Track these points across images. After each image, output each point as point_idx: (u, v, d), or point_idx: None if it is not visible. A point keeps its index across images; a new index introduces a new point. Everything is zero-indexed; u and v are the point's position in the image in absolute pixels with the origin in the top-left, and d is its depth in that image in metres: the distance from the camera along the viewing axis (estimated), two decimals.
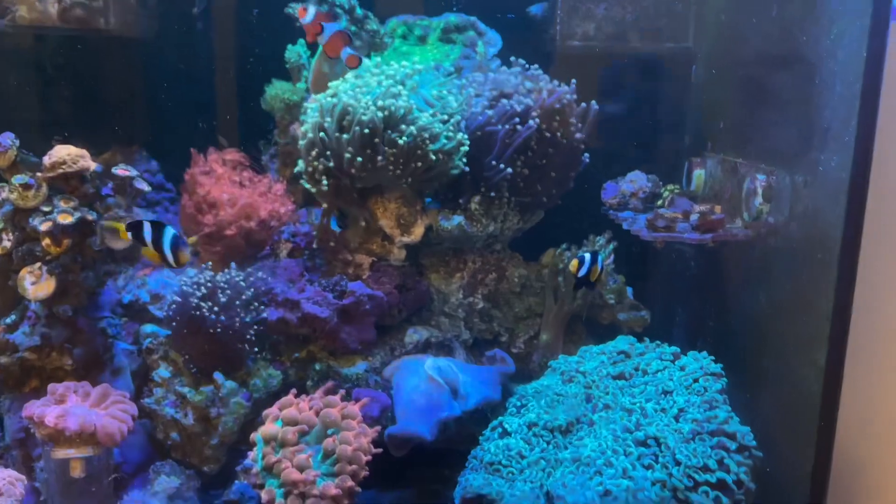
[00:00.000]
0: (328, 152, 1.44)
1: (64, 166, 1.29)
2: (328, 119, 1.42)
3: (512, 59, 1.60)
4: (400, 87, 1.45)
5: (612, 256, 1.62)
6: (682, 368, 1.38)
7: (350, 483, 1.19)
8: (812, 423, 1.19)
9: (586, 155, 1.59)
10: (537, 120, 1.50)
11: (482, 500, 1.27)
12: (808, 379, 1.20)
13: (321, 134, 1.43)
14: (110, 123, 1.81)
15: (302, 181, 1.50)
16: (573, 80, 1.55)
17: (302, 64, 1.65)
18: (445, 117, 1.46)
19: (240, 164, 1.60)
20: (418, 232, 1.56)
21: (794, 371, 1.27)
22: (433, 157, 1.43)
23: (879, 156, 1.11)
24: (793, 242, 1.27)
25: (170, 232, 1.20)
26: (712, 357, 1.38)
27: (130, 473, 1.41)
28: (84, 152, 1.31)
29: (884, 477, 1.20)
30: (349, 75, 1.47)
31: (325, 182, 1.45)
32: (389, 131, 1.41)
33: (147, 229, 1.20)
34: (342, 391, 1.31)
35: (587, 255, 1.38)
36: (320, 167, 1.44)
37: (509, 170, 1.50)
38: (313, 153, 1.45)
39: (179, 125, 1.83)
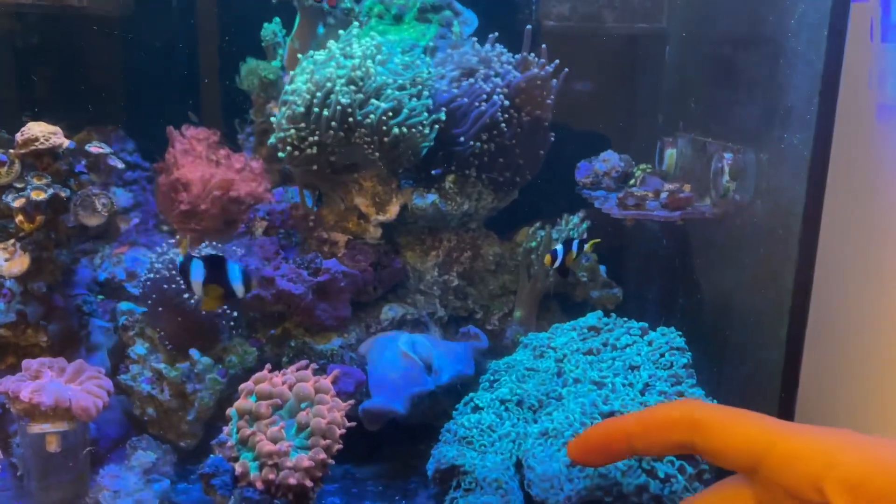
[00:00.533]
0: (302, 127, 1.45)
1: (37, 143, 1.29)
2: (301, 94, 1.43)
3: (490, 36, 1.61)
4: (370, 63, 1.46)
5: (584, 235, 1.65)
6: (649, 343, 1.41)
7: (323, 455, 1.21)
8: (774, 395, 1.22)
9: (553, 135, 1.61)
10: (502, 97, 1.51)
11: (455, 471, 1.30)
12: (771, 352, 1.24)
13: (298, 108, 1.44)
14: (85, 102, 1.80)
15: (280, 154, 1.50)
16: (541, 59, 1.57)
17: (278, 42, 1.65)
18: (414, 91, 1.47)
19: (215, 143, 1.60)
20: (393, 210, 1.58)
21: (757, 345, 1.30)
22: (401, 131, 1.44)
23: (840, 134, 1.13)
24: (757, 219, 1.30)
25: (235, 268, 1.14)
26: (678, 332, 1.41)
27: (107, 448, 1.43)
28: (57, 129, 1.31)
29: None
30: (321, 52, 1.48)
31: (297, 155, 1.45)
32: (360, 109, 1.42)
33: (199, 269, 1.13)
34: (315, 366, 1.33)
35: (559, 248, 1.41)
36: (293, 140, 1.45)
37: (478, 144, 1.51)
38: (290, 129, 1.46)
39: (155, 104, 1.83)
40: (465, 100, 1.51)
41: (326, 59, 1.47)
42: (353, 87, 1.42)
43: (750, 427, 0.44)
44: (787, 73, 1.22)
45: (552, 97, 1.57)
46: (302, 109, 1.43)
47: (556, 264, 1.40)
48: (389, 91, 1.43)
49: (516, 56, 1.59)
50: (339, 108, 1.41)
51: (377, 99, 1.42)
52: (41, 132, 1.29)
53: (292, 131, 1.45)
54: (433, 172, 1.57)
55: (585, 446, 0.47)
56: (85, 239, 1.39)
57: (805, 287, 1.17)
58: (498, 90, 1.52)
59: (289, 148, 1.46)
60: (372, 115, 1.41)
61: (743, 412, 0.45)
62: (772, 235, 1.25)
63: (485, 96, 1.52)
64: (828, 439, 0.45)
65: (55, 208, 1.33)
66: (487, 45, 1.60)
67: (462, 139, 1.51)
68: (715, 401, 1.27)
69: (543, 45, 1.57)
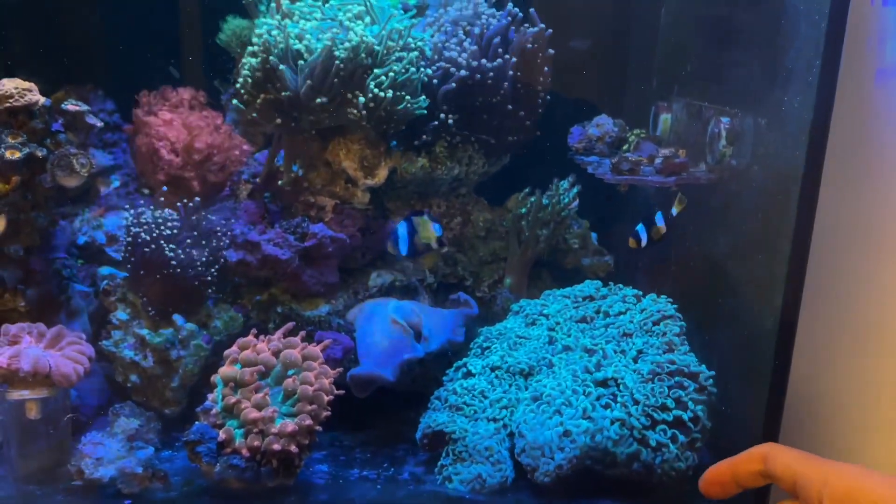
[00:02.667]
0: (283, 88, 1.40)
1: (11, 100, 1.24)
2: (278, 51, 1.38)
3: None
4: (360, 24, 1.41)
5: (576, 201, 1.62)
6: (642, 311, 1.39)
7: (309, 422, 1.19)
8: (767, 363, 1.21)
9: (546, 97, 1.57)
10: (505, 60, 1.47)
11: (444, 438, 1.28)
12: (765, 320, 1.22)
13: (280, 66, 1.39)
14: (62, 60, 1.74)
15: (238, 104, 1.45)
16: (527, 22, 1.52)
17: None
18: (406, 55, 1.42)
19: (196, 103, 1.55)
20: (382, 174, 1.54)
21: (751, 312, 1.28)
22: (393, 95, 1.40)
23: (839, 97, 1.10)
24: (754, 184, 1.28)
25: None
26: (671, 299, 1.39)
27: (90, 415, 1.40)
28: (32, 86, 1.26)
29: (834, 414, 1.23)
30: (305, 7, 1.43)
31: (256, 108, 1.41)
32: (349, 72, 1.37)
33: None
34: (303, 332, 1.30)
35: (640, 228, 1.36)
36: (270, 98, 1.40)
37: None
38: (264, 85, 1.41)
39: (135, 63, 1.76)
40: (456, 69, 1.46)
41: (312, 14, 1.42)
42: (341, 47, 1.37)
43: (792, 459, 0.58)
44: (788, 34, 1.18)
45: (542, 58, 1.53)
46: (257, 62, 1.38)
47: (643, 244, 1.36)
48: (381, 49, 1.39)
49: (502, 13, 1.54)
50: (334, 70, 1.36)
51: (368, 60, 1.38)
52: (15, 88, 1.24)
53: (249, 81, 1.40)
54: (423, 138, 1.52)
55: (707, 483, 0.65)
56: (63, 201, 1.35)
57: (801, 254, 1.15)
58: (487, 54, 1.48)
59: (246, 98, 1.41)
60: (363, 81, 1.37)
61: (807, 455, 0.59)
62: (769, 201, 1.23)
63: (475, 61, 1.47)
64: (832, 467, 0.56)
65: (31, 168, 1.28)
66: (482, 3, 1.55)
67: (445, 106, 1.47)
68: (706, 368, 1.26)
69: (532, 10, 1.53)
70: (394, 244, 1.41)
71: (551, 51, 1.54)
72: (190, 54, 1.77)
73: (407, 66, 1.40)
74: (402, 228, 1.41)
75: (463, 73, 1.45)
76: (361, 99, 1.37)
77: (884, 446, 1.14)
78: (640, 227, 1.36)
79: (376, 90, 1.37)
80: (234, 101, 1.46)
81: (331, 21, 1.42)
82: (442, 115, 1.49)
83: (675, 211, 1.36)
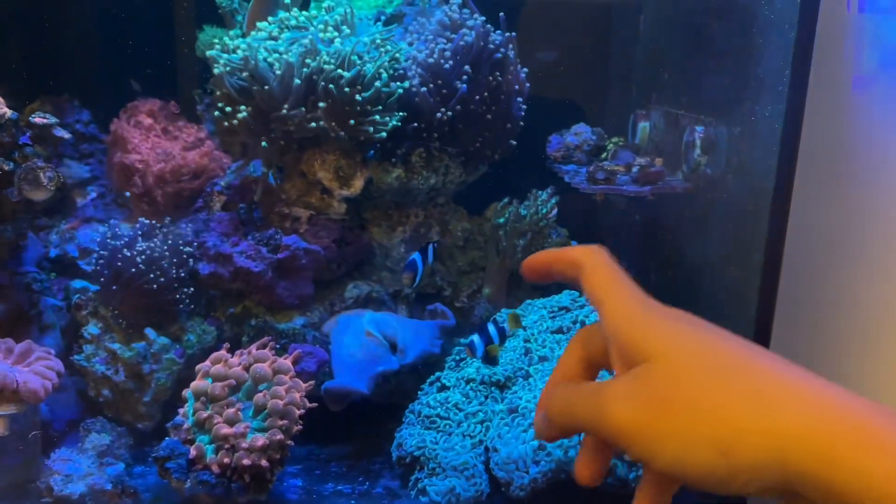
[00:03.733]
0: (257, 98, 1.39)
1: None
2: (258, 63, 1.37)
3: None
4: (336, 34, 1.40)
5: (555, 210, 1.61)
6: None
7: (280, 436, 1.17)
8: None
9: (524, 107, 1.56)
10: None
11: (419, 457, 1.27)
12: (740, 329, 1.21)
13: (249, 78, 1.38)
14: (37, 71, 1.73)
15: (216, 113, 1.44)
16: (507, 31, 1.52)
17: (235, 8, 1.58)
18: (383, 64, 1.41)
19: (171, 115, 1.54)
20: (358, 185, 1.53)
21: (726, 322, 1.27)
22: (367, 108, 1.39)
23: (813, 106, 1.10)
24: (727, 194, 1.27)
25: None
26: None
27: (61, 431, 1.38)
28: None
29: None
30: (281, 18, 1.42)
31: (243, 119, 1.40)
32: (325, 83, 1.36)
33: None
34: (276, 346, 1.29)
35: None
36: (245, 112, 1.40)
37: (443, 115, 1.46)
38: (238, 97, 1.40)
39: (112, 73, 1.75)
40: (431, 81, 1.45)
41: (286, 25, 1.41)
42: (323, 62, 1.36)
43: (603, 279, 0.48)
44: (759, 43, 1.18)
45: (513, 65, 1.52)
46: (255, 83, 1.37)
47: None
48: (364, 66, 1.38)
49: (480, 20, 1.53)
50: (301, 80, 1.35)
51: (342, 69, 1.37)
52: None
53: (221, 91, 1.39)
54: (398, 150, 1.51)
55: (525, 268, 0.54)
56: (32, 214, 1.34)
57: (775, 264, 1.14)
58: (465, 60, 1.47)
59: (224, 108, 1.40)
60: (332, 86, 1.35)
61: (621, 279, 0.48)
62: (742, 211, 1.23)
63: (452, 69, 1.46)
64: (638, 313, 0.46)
65: None
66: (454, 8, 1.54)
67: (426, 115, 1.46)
68: None
69: (501, 14, 1.52)
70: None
71: (522, 67, 1.53)
72: (165, 64, 1.76)
73: (379, 73, 1.39)
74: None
75: (447, 86, 1.45)
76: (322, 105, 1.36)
77: None
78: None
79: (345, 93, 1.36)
80: (216, 113, 1.44)
81: (303, 31, 1.41)
82: (417, 125, 1.48)
83: (507, 328, 1.28)
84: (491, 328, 1.25)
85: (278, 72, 1.36)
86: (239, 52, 1.37)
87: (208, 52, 1.42)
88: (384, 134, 1.42)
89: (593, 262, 0.49)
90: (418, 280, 1.37)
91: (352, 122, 1.38)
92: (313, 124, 1.38)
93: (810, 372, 0.41)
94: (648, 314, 0.44)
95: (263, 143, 1.41)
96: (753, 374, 0.40)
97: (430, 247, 1.45)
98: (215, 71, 1.41)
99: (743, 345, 0.42)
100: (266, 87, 1.36)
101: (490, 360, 1.28)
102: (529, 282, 0.58)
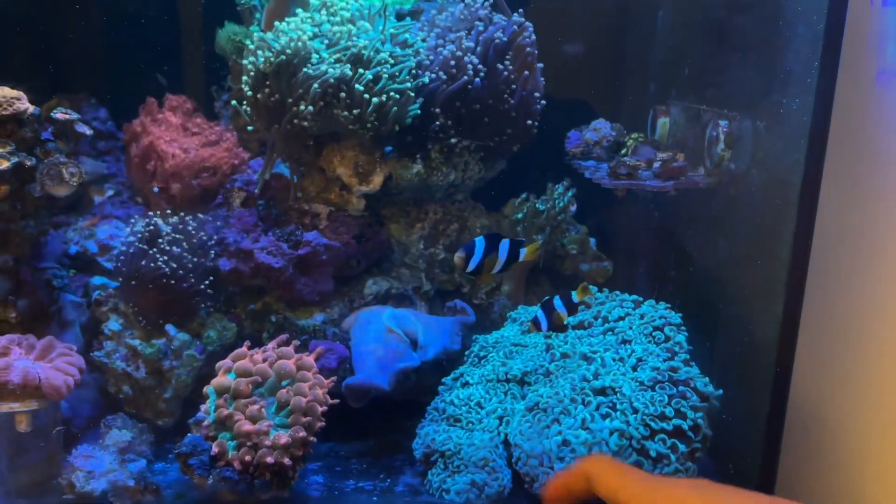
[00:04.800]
0: (279, 96, 1.38)
1: None
2: (278, 57, 1.37)
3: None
4: (353, 29, 1.40)
5: (574, 205, 1.60)
6: (641, 317, 1.37)
7: (303, 433, 1.17)
8: (769, 370, 1.19)
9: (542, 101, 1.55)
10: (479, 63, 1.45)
11: (442, 453, 1.26)
12: (766, 326, 1.20)
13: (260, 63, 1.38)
14: (55, 69, 1.73)
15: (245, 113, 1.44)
16: (529, 24, 1.51)
17: (254, 6, 1.58)
18: (400, 61, 1.40)
19: (190, 111, 1.54)
20: (377, 181, 1.52)
21: (752, 319, 1.26)
22: (386, 103, 1.38)
23: (839, 100, 1.09)
24: (753, 189, 1.26)
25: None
26: (669, 305, 1.37)
27: (82, 427, 1.38)
28: (20, 94, 1.24)
29: (837, 422, 1.21)
30: (302, 15, 1.41)
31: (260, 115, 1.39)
32: (346, 83, 1.36)
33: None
34: (297, 342, 1.28)
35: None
36: (269, 104, 1.39)
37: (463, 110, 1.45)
38: (262, 93, 1.39)
39: (129, 70, 1.75)
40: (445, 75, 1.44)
41: (309, 23, 1.41)
42: (334, 54, 1.36)
43: (613, 479, 0.57)
44: (786, 36, 1.17)
45: (534, 60, 1.51)
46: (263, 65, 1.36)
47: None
48: (372, 54, 1.37)
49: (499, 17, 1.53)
50: (330, 80, 1.34)
51: (363, 67, 1.36)
52: (3, 97, 1.22)
53: (249, 91, 1.38)
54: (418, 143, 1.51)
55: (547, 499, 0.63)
56: (54, 210, 1.33)
57: (802, 260, 1.13)
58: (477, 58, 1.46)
59: (246, 108, 1.39)
60: (357, 85, 1.35)
61: (628, 473, 0.58)
62: (768, 206, 1.21)
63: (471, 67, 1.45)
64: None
65: (21, 177, 1.26)
66: (473, 7, 1.53)
67: (439, 110, 1.45)
68: (706, 378, 1.24)
69: (520, 10, 1.51)
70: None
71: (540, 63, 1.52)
72: (184, 61, 1.76)
73: (400, 69, 1.38)
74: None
75: (463, 77, 1.44)
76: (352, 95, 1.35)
77: (886, 453, 1.12)
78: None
79: (365, 92, 1.35)
80: (239, 103, 1.42)
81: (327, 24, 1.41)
82: (437, 121, 1.47)
83: (575, 297, 1.28)
84: (557, 301, 1.27)
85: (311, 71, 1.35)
86: (284, 38, 1.36)
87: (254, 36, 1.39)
88: (414, 110, 1.41)
89: (600, 468, 0.58)
90: (472, 265, 1.18)
91: (373, 117, 1.37)
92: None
93: None
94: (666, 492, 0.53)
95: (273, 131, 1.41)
96: None
97: (506, 241, 1.22)
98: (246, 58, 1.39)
99: None
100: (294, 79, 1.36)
101: (557, 328, 1.30)
102: None
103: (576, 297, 1.28)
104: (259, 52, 1.37)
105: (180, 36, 1.76)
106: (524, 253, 1.23)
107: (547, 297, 1.29)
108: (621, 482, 0.55)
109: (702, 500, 0.50)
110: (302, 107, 1.36)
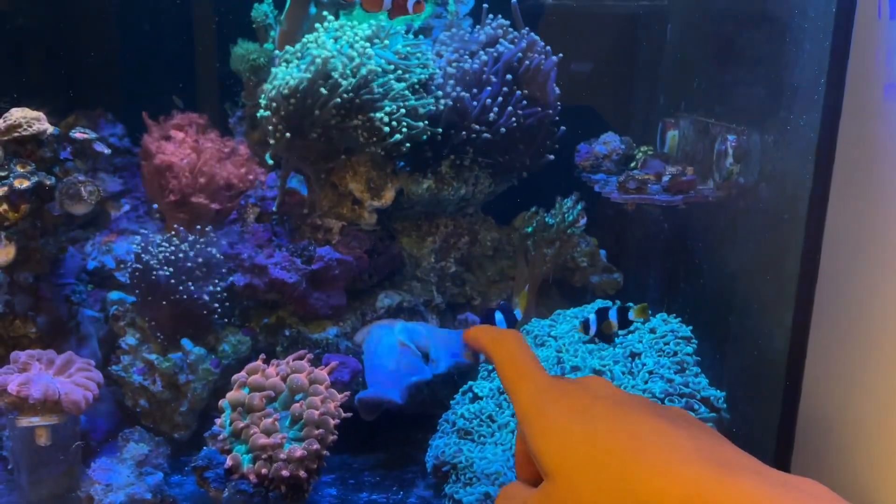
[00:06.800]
0: (294, 112, 1.41)
1: (19, 129, 1.25)
2: (297, 78, 1.39)
3: (489, 17, 1.56)
4: (369, 48, 1.42)
5: (584, 218, 1.61)
6: (651, 331, 1.38)
7: (317, 446, 1.18)
8: (778, 383, 1.19)
9: (562, 128, 1.57)
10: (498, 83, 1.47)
11: (454, 465, 1.27)
12: (775, 339, 1.21)
13: (290, 93, 1.40)
14: (72, 86, 1.76)
15: (271, 141, 1.46)
16: (544, 44, 1.52)
17: (269, 24, 1.61)
18: (415, 80, 1.43)
19: (204, 127, 1.56)
20: (389, 196, 1.54)
21: (761, 332, 1.27)
22: (394, 124, 1.40)
23: (846, 115, 1.09)
24: (762, 203, 1.27)
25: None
26: (680, 319, 1.38)
27: (100, 441, 1.40)
28: (40, 115, 1.27)
29: (847, 435, 1.21)
30: (314, 34, 1.43)
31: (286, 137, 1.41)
32: (359, 97, 1.38)
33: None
34: (310, 356, 1.30)
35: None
36: (282, 127, 1.41)
37: (486, 135, 1.47)
38: (281, 112, 1.41)
39: (145, 87, 1.78)
40: (467, 92, 1.46)
41: (323, 41, 1.43)
42: (350, 76, 1.38)
43: (509, 374, 0.49)
44: (793, 52, 1.17)
45: (551, 81, 1.53)
46: (288, 91, 1.39)
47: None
48: (389, 81, 1.39)
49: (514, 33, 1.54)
50: (336, 97, 1.37)
51: (378, 88, 1.38)
52: (24, 118, 1.25)
53: (273, 115, 1.40)
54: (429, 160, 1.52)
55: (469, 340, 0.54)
56: (72, 227, 1.36)
57: (811, 273, 1.14)
58: (496, 73, 1.48)
59: (272, 130, 1.42)
60: (377, 113, 1.37)
61: (524, 372, 0.48)
62: (777, 220, 1.22)
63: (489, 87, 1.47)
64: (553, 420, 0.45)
65: (40, 197, 1.29)
66: (491, 25, 1.55)
67: (463, 132, 1.47)
68: (717, 390, 1.25)
69: (527, 28, 1.53)
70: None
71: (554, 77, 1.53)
72: (198, 77, 1.79)
73: (413, 88, 1.41)
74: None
75: (473, 103, 1.45)
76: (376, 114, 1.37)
77: None
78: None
79: (383, 119, 1.37)
80: (256, 119, 1.45)
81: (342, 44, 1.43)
82: (451, 137, 1.49)
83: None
84: (613, 311, 1.31)
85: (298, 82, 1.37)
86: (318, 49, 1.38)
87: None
88: (425, 137, 1.44)
89: (501, 352, 0.49)
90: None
91: (385, 130, 1.39)
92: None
93: (710, 445, 0.42)
94: (545, 421, 0.44)
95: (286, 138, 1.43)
96: (638, 482, 0.40)
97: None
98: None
99: (641, 434, 0.42)
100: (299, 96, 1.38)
101: (605, 338, 1.33)
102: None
103: (633, 314, 1.30)
104: (287, 70, 1.39)
105: (195, 53, 1.79)
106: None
107: (605, 305, 1.35)
108: (516, 388, 0.47)
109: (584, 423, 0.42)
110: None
